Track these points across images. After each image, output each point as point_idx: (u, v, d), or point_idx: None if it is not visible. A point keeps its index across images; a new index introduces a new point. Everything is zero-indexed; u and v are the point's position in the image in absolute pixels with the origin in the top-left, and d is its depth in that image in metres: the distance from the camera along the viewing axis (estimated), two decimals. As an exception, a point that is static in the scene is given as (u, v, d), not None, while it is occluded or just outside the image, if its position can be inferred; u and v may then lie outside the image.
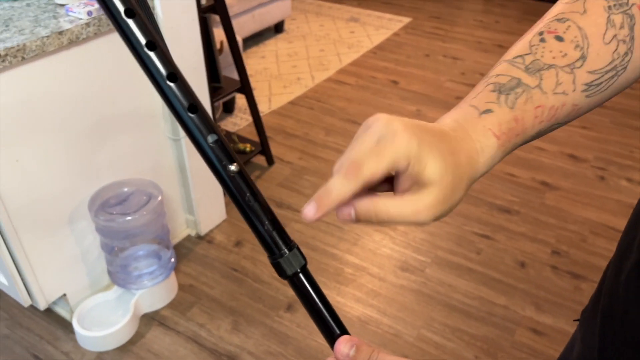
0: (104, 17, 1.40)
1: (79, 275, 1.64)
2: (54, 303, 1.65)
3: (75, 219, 1.55)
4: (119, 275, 1.63)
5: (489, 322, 1.67)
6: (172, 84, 0.35)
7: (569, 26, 0.42)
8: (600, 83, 0.42)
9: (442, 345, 1.60)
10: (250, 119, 2.76)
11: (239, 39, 2.67)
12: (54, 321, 1.67)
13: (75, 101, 1.44)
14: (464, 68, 3.27)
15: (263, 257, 1.91)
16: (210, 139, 0.35)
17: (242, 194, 0.37)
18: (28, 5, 1.48)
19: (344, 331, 0.40)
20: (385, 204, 0.37)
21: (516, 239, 1.99)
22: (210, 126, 0.35)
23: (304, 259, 0.40)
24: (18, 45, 1.24)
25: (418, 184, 0.38)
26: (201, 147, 0.36)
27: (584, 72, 0.42)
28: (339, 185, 0.36)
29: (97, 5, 1.39)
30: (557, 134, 2.60)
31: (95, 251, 1.65)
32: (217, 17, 1.98)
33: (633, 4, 0.42)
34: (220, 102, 2.58)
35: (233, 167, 0.36)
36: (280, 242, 0.38)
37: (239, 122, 2.72)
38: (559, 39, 0.42)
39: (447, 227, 2.05)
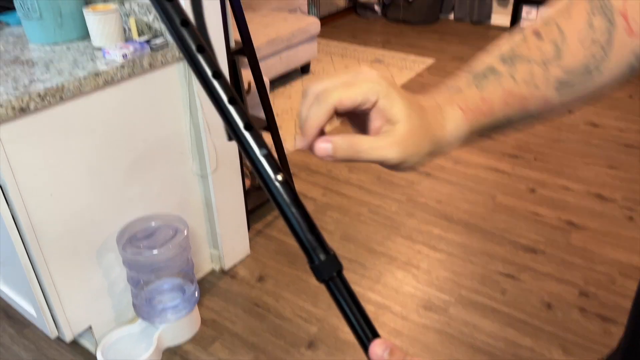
0: (138, 60, 1.48)
1: (105, 308, 1.67)
2: (79, 335, 1.68)
3: (103, 251, 1.60)
4: (144, 308, 1.65)
5: (515, 365, 1.63)
6: (232, 107, 0.40)
7: (550, 27, 0.45)
8: (574, 83, 0.44)
9: (466, 387, 1.56)
10: (275, 156, 2.82)
11: (266, 79, 2.76)
12: (79, 353, 1.69)
13: (109, 138, 1.51)
14: (488, 107, 3.28)
15: (285, 292, 1.92)
16: (262, 152, 0.40)
17: (286, 202, 0.41)
18: (68, 48, 1.57)
19: (377, 336, 0.43)
20: (359, 138, 0.41)
21: (542, 279, 1.95)
22: (262, 141, 0.40)
23: (340, 264, 0.43)
24: (57, 86, 1.32)
25: (387, 123, 0.41)
26: (254, 159, 0.41)
27: (558, 69, 0.44)
28: (314, 110, 0.41)
29: (132, 48, 1.47)
30: (584, 173, 2.57)
31: (122, 284, 1.69)
32: (245, 59, 2.06)
33: (616, 10, 0.43)
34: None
35: (280, 177, 0.41)
36: (319, 247, 0.41)
37: (264, 159, 2.77)
38: (538, 36, 0.45)
39: (471, 266, 2.02)
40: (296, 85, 3.68)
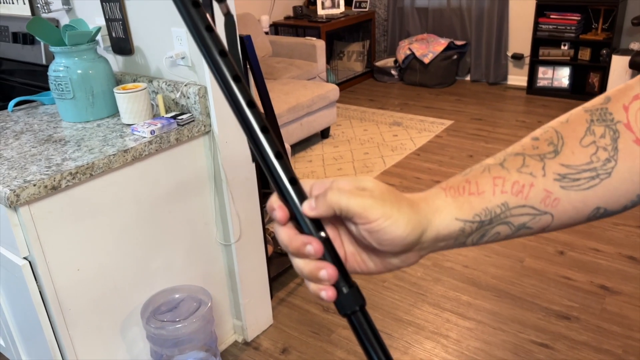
0: (165, 136, 1.53)
1: (127, 384, 1.64)
2: (101, 413, 1.64)
3: (127, 326, 1.59)
4: (166, 384, 1.61)
5: None
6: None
7: (547, 130, 0.45)
8: (578, 179, 0.43)
9: None
10: (297, 221, 2.82)
11: (288, 146, 2.81)
12: None
13: (135, 212, 1.53)
14: (509, 168, 3.27)
15: (310, 365, 1.86)
16: (290, 183, 0.42)
17: (312, 233, 0.42)
18: (99, 126, 1.63)
19: None
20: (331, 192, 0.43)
21: (578, 348, 1.86)
22: (291, 171, 0.42)
23: (363, 299, 0.42)
24: (87, 164, 1.36)
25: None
26: (282, 189, 0.41)
27: (556, 163, 0.43)
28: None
29: (159, 125, 1.52)
30: (614, 234, 2.51)
31: (145, 358, 1.66)
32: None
33: (619, 122, 0.43)
34: (269, 206, 2.66)
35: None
36: (343, 280, 0.40)
37: (286, 225, 2.78)
38: (535, 138, 0.45)
39: (502, 335, 1.95)
40: (317, 149, 3.73)
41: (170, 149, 1.57)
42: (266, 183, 2.22)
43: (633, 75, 4.23)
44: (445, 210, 0.43)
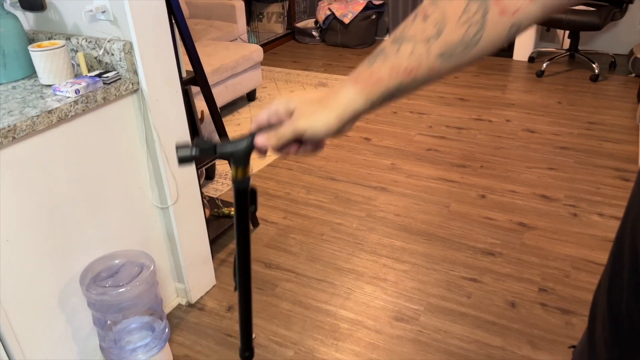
0: (91, 95, 1.45)
1: (71, 356, 1.59)
2: (43, 387, 1.59)
3: (65, 296, 1.53)
4: (113, 350, 1.58)
5: (489, 365, 1.68)
6: None
7: (435, 9, 0.56)
8: (453, 54, 0.55)
9: (446, 392, 1.59)
10: (231, 183, 2.80)
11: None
12: (44, 407, 1.59)
13: (64, 177, 1.46)
14: (431, 121, 3.42)
15: (257, 319, 1.89)
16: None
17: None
18: (14, 87, 1.52)
19: None
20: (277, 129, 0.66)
21: (503, 280, 2.04)
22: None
23: None
24: (9, 126, 1.27)
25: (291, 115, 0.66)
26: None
27: (437, 45, 0.55)
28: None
29: (84, 84, 1.44)
30: (528, 177, 2.72)
31: (87, 328, 1.61)
32: (196, 88, 2.06)
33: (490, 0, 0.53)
34: (203, 169, 2.61)
35: None
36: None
37: (220, 187, 2.75)
38: (425, 18, 0.56)
39: (435, 274, 2.08)
40: (244, 112, 3.69)
41: (97, 109, 1.50)
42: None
43: (539, 30, 4.52)
44: (358, 98, 0.61)
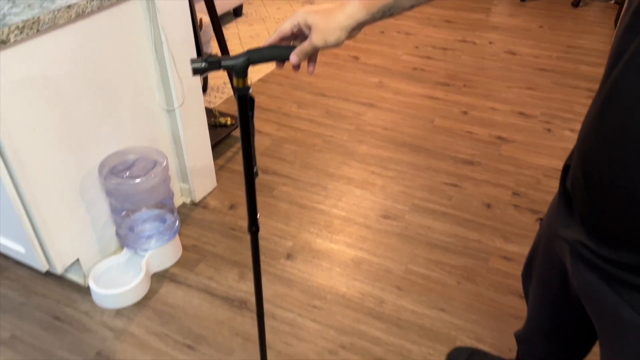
0: (106, -8, 1.50)
1: (90, 241, 1.73)
2: (65, 270, 1.74)
3: (85, 186, 1.65)
4: (129, 236, 1.73)
5: (466, 254, 1.90)
6: None
7: None
8: None
9: (428, 275, 1.81)
10: (223, 96, 2.89)
11: (207, 20, 2.78)
12: (67, 287, 1.76)
13: (82, 73, 1.53)
14: (417, 42, 3.50)
15: (259, 217, 2.06)
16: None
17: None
18: (26, -16, 1.55)
19: None
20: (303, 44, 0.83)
21: (481, 185, 2.23)
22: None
23: None
24: (34, 18, 1.33)
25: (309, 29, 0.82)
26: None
27: None
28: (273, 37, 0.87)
29: (98, -18, 1.49)
30: (507, 95, 2.87)
31: (104, 218, 1.75)
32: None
33: None
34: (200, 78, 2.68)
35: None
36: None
37: (213, 100, 2.83)
38: None
39: (419, 180, 2.26)
40: (231, 28, 3.69)
41: (110, 8, 1.55)
42: (198, 52, 2.24)
43: (525, -45, 4.52)
44: (361, 12, 0.79)
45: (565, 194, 0.88)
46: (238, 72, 0.85)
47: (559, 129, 2.60)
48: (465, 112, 2.74)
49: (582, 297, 0.85)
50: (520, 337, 1.27)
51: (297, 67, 0.86)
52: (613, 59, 0.69)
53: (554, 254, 0.95)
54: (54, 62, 1.44)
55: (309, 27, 0.81)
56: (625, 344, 0.77)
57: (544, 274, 1.04)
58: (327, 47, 0.82)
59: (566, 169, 0.90)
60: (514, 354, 1.40)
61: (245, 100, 0.89)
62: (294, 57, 0.84)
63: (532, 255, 1.11)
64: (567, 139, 2.52)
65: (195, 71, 0.84)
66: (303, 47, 0.83)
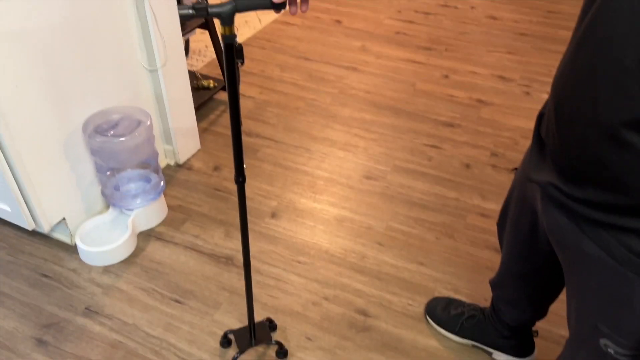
0: (85, -53, 1.48)
1: (76, 200, 1.75)
2: (52, 229, 1.76)
3: (70, 145, 1.65)
4: (115, 195, 1.75)
5: (444, 212, 1.96)
6: None
7: None
8: None
9: (408, 232, 1.87)
10: (205, 59, 2.87)
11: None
12: (55, 245, 1.78)
13: (63, 28, 1.52)
14: (400, 6, 3.50)
15: (241, 177, 2.09)
16: None
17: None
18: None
19: None
20: None
21: (460, 146, 2.29)
22: None
23: None
24: (12, -28, 1.31)
25: None
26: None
27: None
28: None
29: (76, -64, 1.46)
30: (488, 59, 2.91)
31: (89, 177, 1.77)
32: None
33: None
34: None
35: None
36: None
37: (195, 63, 2.82)
38: None
39: (400, 142, 2.30)
40: None
41: (90, -36, 1.54)
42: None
43: None
44: None
45: (539, 140, 0.92)
46: (224, 20, 0.86)
47: (537, 92, 2.65)
48: (446, 76, 2.77)
49: (550, 235, 0.91)
50: (493, 283, 1.34)
51: (294, 11, 0.87)
52: (586, 6, 0.73)
53: (526, 198, 1.01)
54: (36, 18, 1.43)
55: None
56: (587, 275, 0.83)
57: (516, 219, 1.10)
58: None
59: (540, 117, 0.94)
60: (489, 303, 1.48)
61: (232, 48, 0.90)
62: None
63: (507, 203, 1.17)
64: (545, 101, 2.57)
65: (183, 17, 0.85)
66: None
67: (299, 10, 0.87)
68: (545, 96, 2.62)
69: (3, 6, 1.33)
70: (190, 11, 0.85)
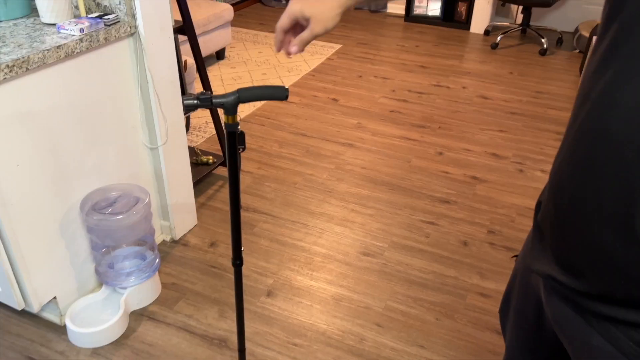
0: (94, 34, 1.55)
1: (68, 279, 1.72)
2: (41, 309, 1.71)
3: (66, 223, 1.65)
4: (109, 274, 1.72)
5: (444, 291, 1.93)
6: None
7: None
8: None
9: (407, 312, 1.83)
10: (205, 135, 2.93)
11: (191, 62, 2.85)
12: (43, 326, 1.72)
13: (68, 110, 1.56)
14: (394, 86, 3.63)
15: (237, 254, 2.07)
16: None
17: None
18: (16, 25, 1.59)
19: None
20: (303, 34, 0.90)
21: (457, 223, 2.29)
22: None
23: None
24: (23, 57, 1.36)
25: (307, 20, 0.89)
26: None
27: None
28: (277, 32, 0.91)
29: (87, 23, 1.54)
30: (480, 137, 2.98)
31: (83, 254, 1.74)
32: (181, 37, 2.16)
33: None
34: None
35: None
36: None
37: (195, 139, 2.87)
38: None
39: (398, 218, 2.31)
40: (214, 70, 3.77)
41: (98, 49, 1.60)
42: (182, 92, 2.29)
43: (494, 5, 4.78)
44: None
45: (538, 229, 0.93)
46: (228, 110, 0.89)
47: (530, 170, 2.70)
48: (440, 153, 2.83)
49: (556, 327, 0.89)
50: (498, 371, 1.29)
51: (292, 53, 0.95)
52: (581, 99, 0.76)
53: (529, 287, 0.99)
54: (42, 100, 1.47)
55: (307, 19, 0.88)
56: (596, 370, 0.81)
57: (520, 308, 1.08)
58: (326, 33, 0.90)
59: (539, 205, 0.95)
60: (492, 389, 1.42)
61: (234, 135, 0.93)
62: (294, 48, 0.91)
63: (509, 290, 1.15)
64: (539, 179, 2.62)
65: (188, 107, 0.88)
66: (303, 37, 0.89)
67: (292, 94, 0.94)
68: (539, 174, 2.66)
69: (11, 89, 1.37)
70: (195, 101, 0.88)
